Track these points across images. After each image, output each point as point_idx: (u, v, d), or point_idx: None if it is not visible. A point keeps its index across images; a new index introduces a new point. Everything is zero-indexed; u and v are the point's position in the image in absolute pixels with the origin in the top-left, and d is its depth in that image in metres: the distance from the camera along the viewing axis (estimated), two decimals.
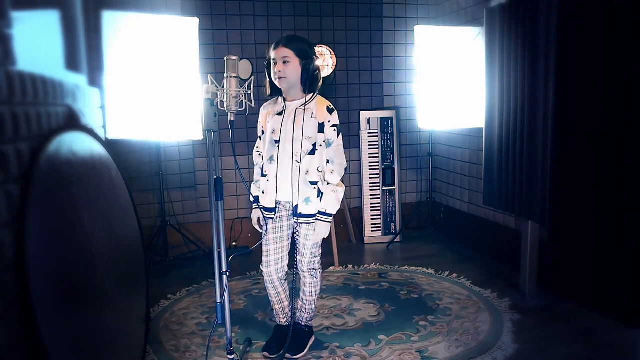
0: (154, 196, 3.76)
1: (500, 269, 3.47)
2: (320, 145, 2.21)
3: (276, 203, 2.28)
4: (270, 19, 3.97)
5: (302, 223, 2.27)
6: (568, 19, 2.31)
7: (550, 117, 2.45)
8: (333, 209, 2.25)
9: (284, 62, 2.15)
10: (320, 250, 2.37)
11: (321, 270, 2.40)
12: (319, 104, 2.24)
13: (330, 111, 2.23)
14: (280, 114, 2.26)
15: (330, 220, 2.26)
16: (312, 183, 2.23)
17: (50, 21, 1.92)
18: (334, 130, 2.23)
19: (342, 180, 2.31)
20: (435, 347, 2.44)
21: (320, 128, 2.21)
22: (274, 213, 2.30)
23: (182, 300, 3.06)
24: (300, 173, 2.20)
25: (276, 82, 2.20)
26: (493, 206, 3.22)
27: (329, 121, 2.22)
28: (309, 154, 2.20)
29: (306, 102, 2.22)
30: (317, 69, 2.21)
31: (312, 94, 2.23)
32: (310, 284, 2.37)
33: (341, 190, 2.27)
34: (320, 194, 2.24)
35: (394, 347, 2.44)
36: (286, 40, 2.17)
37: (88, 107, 2.26)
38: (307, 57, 2.17)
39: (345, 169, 2.30)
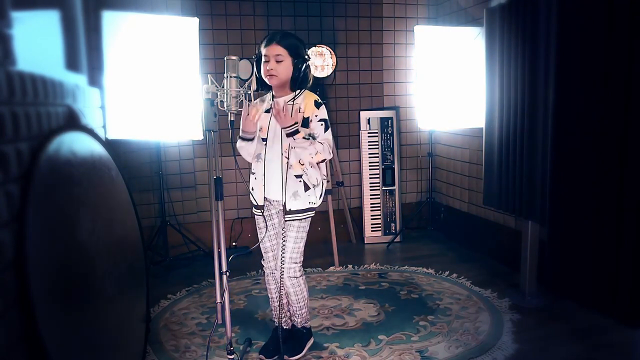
0: (154, 196, 3.76)
1: (500, 269, 3.47)
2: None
3: (264, 200, 2.28)
4: (270, 19, 3.97)
5: (292, 220, 2.24)
6: (568, 19, 2.31)
7: (550, 117, 2.45)
8: (301, 136, 2.11)
9: (277, 61, 2.12)
10: (302, 258, 2.31)
11: (303, 277, 2.34)
12: (307, 98, 2.21)
13: (317, 105, 2.20)
14: (268, 111, 2.22)
15: (298, 132, 2.11)
16: (297, 176, 2.21)
17: (50, 21, 1.92)
18: (322, 124, 2.19)
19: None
20: (435, 347, 2.44)
21: (305, 122, 2.18)
22: (261, 211, 2.30)
23: (182, 300, 3.06)
24: (288, 168, 2.19)
25: (266, 79, 2.16)
26: (493, 206, 3.22)
27: (315, 115, 2.18)
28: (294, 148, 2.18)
29: (294, 97, 2.20)
30: (308, 68, 2.19)
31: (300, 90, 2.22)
32: (295, 292, 2.33)
33: (315, 152, 2.15)
34: (307, 188, 2.22)
35: (394, 347, 2.44)
36: (280, 37, 2.12)
37: (88, 107, 2.26)
38: (299, 56, 2.15)
39: (323, 160, 2.22)
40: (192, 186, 3.96)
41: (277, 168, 2.20)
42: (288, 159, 2.18)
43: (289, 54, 2.13)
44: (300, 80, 2.17)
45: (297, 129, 2.11)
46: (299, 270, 2.32)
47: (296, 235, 2.26)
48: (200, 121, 3.08)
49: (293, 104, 2.19)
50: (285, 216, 2.23)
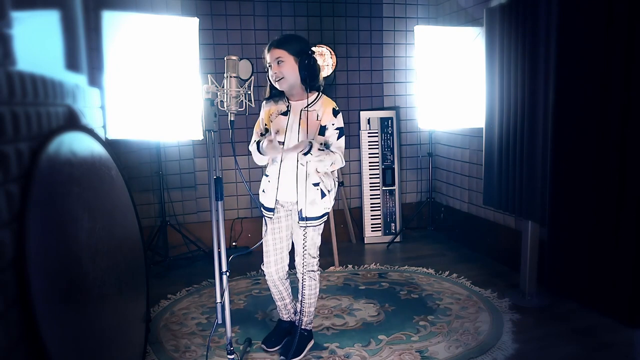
0: (154, 196, 3.76)
1: (500, 269, 3.47)
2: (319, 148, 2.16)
3: (275, 203, 2.27)
4: (270, 19, 3.97)
5: (308, 227, 2.25)
6: (568, 18, 2.31)
7: (550, 117, 2.45)
8: (316, 150, 2.08)
9: (279, 63, 2.10)
10: (318, 252, 2.36)
11: (320, 272, 2.39)
12: (325, 106, 2.18)
13: (335, 113, 2.18)
14: (284, 113, 2.20)
15: (310, 150, 2.07)
16: (315, 184, 2.22)
17: (50, 21, 1.92)
18: (337, 132, 2.18)
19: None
20: (435, 347, 2.44)
21: (322, 130, 2.17)
22: (272, 213, 2.29)
23: (182, 300, 3.06)
24: (305, 176, 2.19)
25: (276, 85, 2.15)
26: (493, 206, 3.22)
27: (332, 124, 2.17)
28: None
29: (311, 102, 2.17)
30: (315, 63, 2.15)
31: (316, 93, 2.19)
32: (309, 286, 2.35)
33: (336, 166, 2.19)
34: (323, 195, 2.23)
35: (394, 347, 2.44)
36: (277, 42, 2.12)
37: (88, 107, 2.26)
38: (302, 54, 2.11)
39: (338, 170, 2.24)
40: (192, 186, 3.96)
41: (293, 171, 2.20)
42: (305, 166, 2.18)
43: (289, 53, 2.10)
44: (310, 76, 2.12)
45: (311, 145, 2.07)
46: (317, 265, 2.36)
47: (312, 235, 2.29)
48: (200, 121, 3.08)
49: (310, 110, 2.16)
50: (301, 222, 2.24)
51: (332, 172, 2.29)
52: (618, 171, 2.12)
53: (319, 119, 2.16)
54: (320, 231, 2.33)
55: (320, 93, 2.22)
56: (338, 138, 2.19)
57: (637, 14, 1.98)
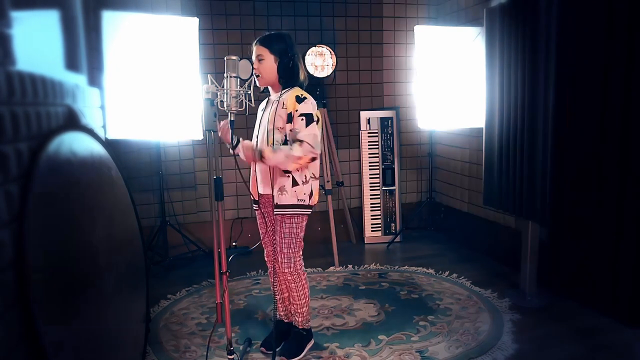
0: (154, 196, 3.76)
1: (500, 269, 3.47)
2: (286, 136, 2.17)
3: (259, 196, 2.32)
4: (270, 19, 3.97)
5: (279, 215, 2.23)
6: (568, 18, 2.31)
7: (550, 117, 2.45)
8: (271, 157, 2.11)
9: (259, 60, 2.19)
10: (301, 253, 2.31)
11: (305, 274, 2.35)
12: (291, 94, 2.19)
13: (299, 100, 2.16)
14: (264, 109, 2.33)
15: (255, 154, 2.14)
16: (286, 172, 2.19)
17: (50, 21, 1.92)
18: (302, 119, 2.13)
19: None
20: (435, 347, 2.44)
21: (289, 118, 2.16)
22: (258, 205, 2.35)
23: (182, 300, 3.06)
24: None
25: (256, 80, 2.20)
26: (493, 206, 3.22)
27: (296, 110, 2.15)
28: (283, 144, 2.17)
29: (282, 93, 2.22)
30: (294, 65, 2.20)
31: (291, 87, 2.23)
32: (296, 288, 2.33)
33: (295, 157, 2.11)
34: (295, 183, 2.20)
35: (394, 347, 2.44)
36: (262, 39, 2.20)
37: (88, 107, 2.26)
38: (283, 55, 2.17)
39: (313, 158, 2.15)
40: (192, 186, 3.96)
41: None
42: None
43: (270, 52, 2.18)
44: (285, 77, 2.19)
45: (261, 153, 2.11)
46: (301, 266, 2.32)
47: (283, 232, 2.24)
48: (200, 121, 3.08)
49: (279, 100, 2.21)
50: (274, 210, 2.23)
51: (309, 163, 2.21)
52: (618, 171, 2.12)
53: (284, 107, 2.18)
54: (297, 229, 2.25)
55: (294, 86, 2.23)
56: (307, 125, 2.13)
57: (637, 14, 1.98)
